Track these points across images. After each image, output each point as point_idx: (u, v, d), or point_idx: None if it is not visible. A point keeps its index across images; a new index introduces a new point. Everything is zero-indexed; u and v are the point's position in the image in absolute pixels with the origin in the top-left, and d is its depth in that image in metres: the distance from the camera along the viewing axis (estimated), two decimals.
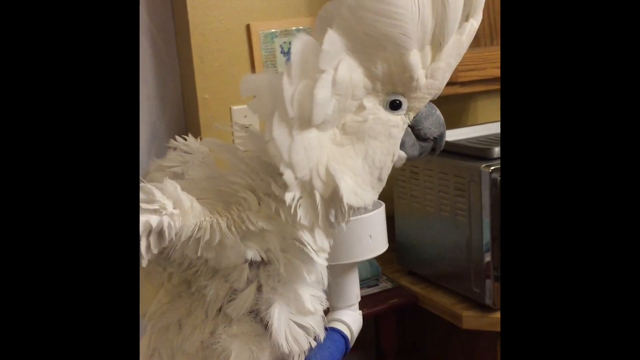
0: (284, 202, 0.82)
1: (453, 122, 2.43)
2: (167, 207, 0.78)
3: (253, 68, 2.02)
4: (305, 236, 0.85)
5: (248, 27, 2.02)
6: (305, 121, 0.81)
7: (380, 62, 0.81)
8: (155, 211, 0.77)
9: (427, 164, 1.97)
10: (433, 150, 0.93)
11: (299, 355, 0.91)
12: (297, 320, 0.88)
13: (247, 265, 0.85)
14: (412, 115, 0.87)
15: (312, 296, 0.89)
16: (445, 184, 1.91)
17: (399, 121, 0.86)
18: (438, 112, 0.90)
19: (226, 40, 2.00)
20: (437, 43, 0.81)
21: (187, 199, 0.81)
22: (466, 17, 0.82)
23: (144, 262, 0.77)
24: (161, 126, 2.11)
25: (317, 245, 0.86)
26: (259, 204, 0.85)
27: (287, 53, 2.07)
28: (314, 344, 0.92)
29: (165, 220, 0.77)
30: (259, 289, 0.86)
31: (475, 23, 0.83)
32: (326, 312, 1.17)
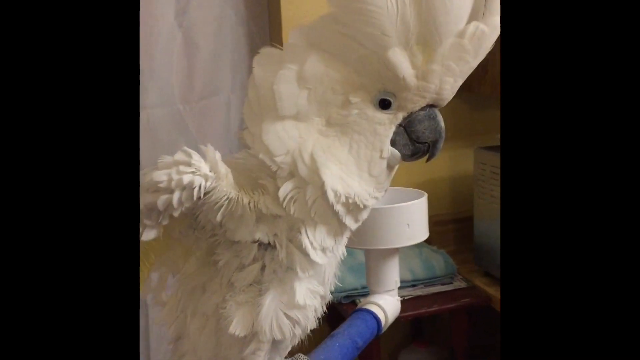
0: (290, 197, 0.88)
1: None
2: (202, 169, 0.85)
3: None
4: (304, 230, 0.89)
5: None
6: (272, 114, 0.86)
7: (363, 60, 0.82)
8: (190, 170, 0.85)
9: None
10: (428, 155, 0.90)
11: (290, 340, 0.98)
12: (286, 311, 0.93)
13: (256, 245, 0.92)
14: (402, 115, 0.86)
15: (307, 290, 0.93)
16: None
17: (385, 119, 0.86)
18: (438, 118, 0.87)
19: None
20: (430, 44, 0.80)
21: (224, 168, 0.89)
22: (469, 20, 0.80)
23: (175, 213, 0.86)
24: None
25: (317, 242, 0.90)
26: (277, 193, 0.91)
27: None
28: (302, 335, 0.97)
29: (198, 179, 0.85)
30: (263, 268, 0.93)
31: (481, 26, 0.79)
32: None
